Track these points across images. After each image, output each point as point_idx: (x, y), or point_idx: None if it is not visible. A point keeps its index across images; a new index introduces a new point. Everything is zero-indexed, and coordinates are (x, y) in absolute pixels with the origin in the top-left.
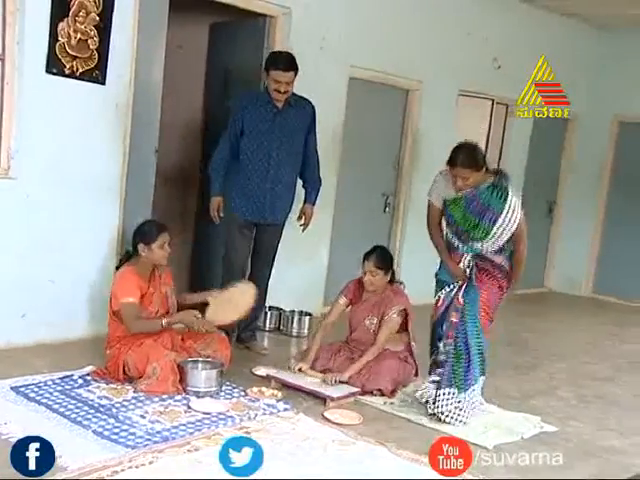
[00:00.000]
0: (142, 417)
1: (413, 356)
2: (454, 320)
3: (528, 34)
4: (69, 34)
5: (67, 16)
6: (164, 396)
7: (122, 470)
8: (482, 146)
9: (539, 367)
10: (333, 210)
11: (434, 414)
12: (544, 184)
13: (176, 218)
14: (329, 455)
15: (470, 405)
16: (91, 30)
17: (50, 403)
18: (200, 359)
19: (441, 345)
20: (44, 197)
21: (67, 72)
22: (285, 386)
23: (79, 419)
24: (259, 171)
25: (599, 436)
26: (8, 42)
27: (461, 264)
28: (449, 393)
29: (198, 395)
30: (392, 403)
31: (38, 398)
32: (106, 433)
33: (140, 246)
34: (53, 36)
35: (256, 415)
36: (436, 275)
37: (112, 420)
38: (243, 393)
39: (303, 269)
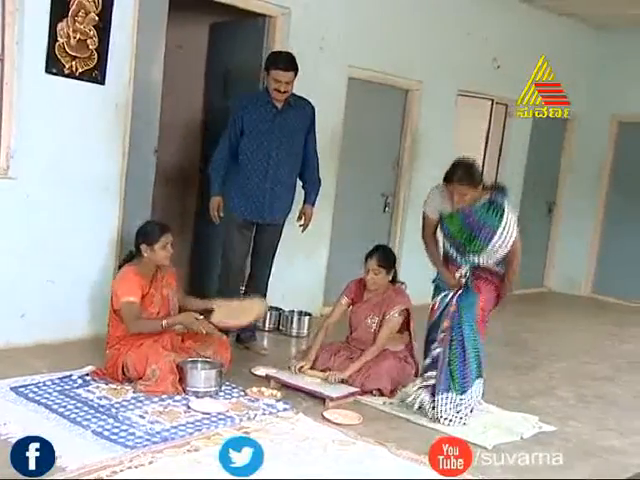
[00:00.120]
0: (141, 417)
1: (413, 356)
2: (446, 325)
3: (528, 34)
4: (68, 34)
5: (66, 16)
6: (163, 396)
7: (121, 470)
8: (482, 146)
9: (538, 367)
10: (333, 210)
11: (433, 418)
12: (544, 184)
13: (176, 218)
14: (329, 455)
15: (468, 408)
16: (90, 30)
17: (49, 403)
18: (199, 359)
19: (432, 349)
20: (44, 197)
21: (66, 72)
22: (284, 386)
23: (78, 419)
24: (258, 171)
25: (599, 436)
26: (7, 42)
27: (457, 274)
28: (447, 398)
29: (197, 395)
30: (391, 403)
31: (37, 398)
32: (105, 433)
33: (142, 247)
34: (52, 36)
35: (256, 415)
36: (434, 281)
37: (111, 420)
38: (242, 393)
39: (303, 269)
